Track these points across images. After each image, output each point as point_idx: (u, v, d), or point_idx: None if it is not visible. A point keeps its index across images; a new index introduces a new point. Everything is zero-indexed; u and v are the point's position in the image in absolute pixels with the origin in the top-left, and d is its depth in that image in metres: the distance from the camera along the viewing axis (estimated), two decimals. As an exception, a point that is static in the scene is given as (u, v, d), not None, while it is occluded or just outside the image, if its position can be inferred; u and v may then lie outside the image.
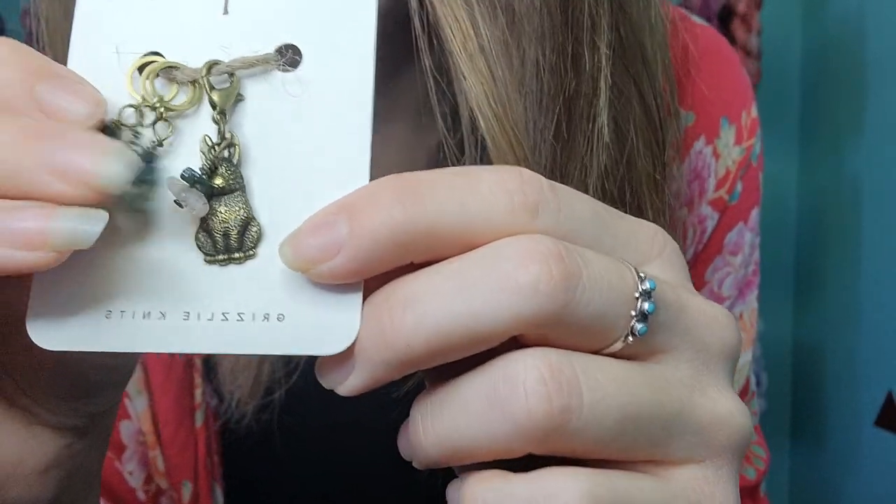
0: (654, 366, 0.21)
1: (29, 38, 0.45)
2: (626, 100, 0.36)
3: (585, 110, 0.35)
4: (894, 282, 1.33)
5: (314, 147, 0.21)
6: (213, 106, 0.21)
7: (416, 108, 0.40)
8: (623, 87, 0.36)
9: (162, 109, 0.21)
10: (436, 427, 0.20)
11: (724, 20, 1.36)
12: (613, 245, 0.22)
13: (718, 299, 0.48)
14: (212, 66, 0.21)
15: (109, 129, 0.21)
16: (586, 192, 0.35)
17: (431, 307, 0.19)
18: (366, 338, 0.20)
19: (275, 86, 0.22)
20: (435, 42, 0.31)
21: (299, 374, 0.47)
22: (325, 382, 0.21)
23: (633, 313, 0.20)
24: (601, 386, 0.20)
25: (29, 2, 0.41)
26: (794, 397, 1.61)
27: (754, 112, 0.48)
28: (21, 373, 0.25)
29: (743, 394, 0.51)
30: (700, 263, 0.48)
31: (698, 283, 0.48)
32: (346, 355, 0.20)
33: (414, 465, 0.22)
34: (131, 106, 0.21)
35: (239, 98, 0.21)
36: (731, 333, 0.22)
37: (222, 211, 0.21)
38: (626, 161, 0.36)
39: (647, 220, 0.38)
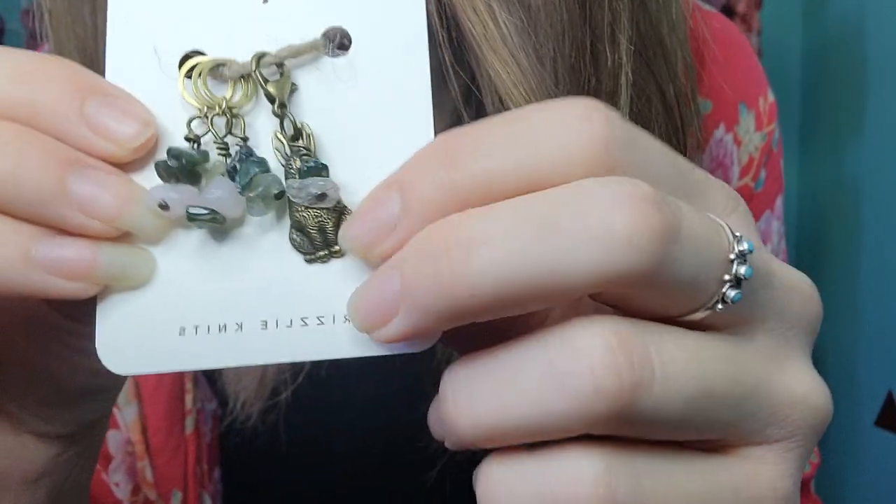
0: (732, 338, 0.19)
1: (30, 37, 0.44)
2: (647, 97, 0.35)
3: (610, 95, 0.34)
4: (894, 282, 1.33)
5: (375, 133, 0.20)
6: (272, 100, 0.20)
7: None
8: (643, 84, 0.35)
9: (229, 111, 0.20)
10: (474, 404, 0.18)
11: (724, 20, 1.37)
12: (690, 194, 0.19)
13: None
14: (260, 58, 0.20)
15: (175, 151, 0.20)
16: None
17: (503, 252, 0.17)
18: (417, 281, 0.17)
19: (326, 73, 0.20)
20: (453, 35, 0.30)
21: (305, 375, 0.46)
22: (361, 325, 0.19)
23: (728, 277, 0.18)
24: (674, 361, 0.17)
25: (30, 1, 0.40)
26: (794, 397, 1.61)
27: (771, 97, 0.48)
28: (7, 379, 0.24)
29: None
30: None
31: None
32: (390, 297, 0.18)
33: (447, 445, 0.20)
34: (198, 116, 0.20)
35: (293, 88, 0.20)
36: (814, 306, 0.20)
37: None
38: None
39: None
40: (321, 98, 0.20)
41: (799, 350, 0.20)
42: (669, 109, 0.36)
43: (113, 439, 0.47)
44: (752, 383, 0.19)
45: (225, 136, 0.20)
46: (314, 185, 0.19)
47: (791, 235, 1.60)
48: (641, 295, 0.18)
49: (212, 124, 0.20)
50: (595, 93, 0.33)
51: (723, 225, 0.18)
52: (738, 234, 0.18)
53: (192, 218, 0.19)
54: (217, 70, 0.20)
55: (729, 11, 1.36)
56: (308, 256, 0.20)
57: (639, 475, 0.18)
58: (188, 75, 0.20)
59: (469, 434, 0.18)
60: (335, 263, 0.20)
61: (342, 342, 0.19)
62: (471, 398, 0.18)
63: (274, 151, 0.20)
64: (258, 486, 0.50)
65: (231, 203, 0.19)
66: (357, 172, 0.20)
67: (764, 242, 0.48)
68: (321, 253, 0.20)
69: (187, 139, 0.20)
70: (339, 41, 0.21)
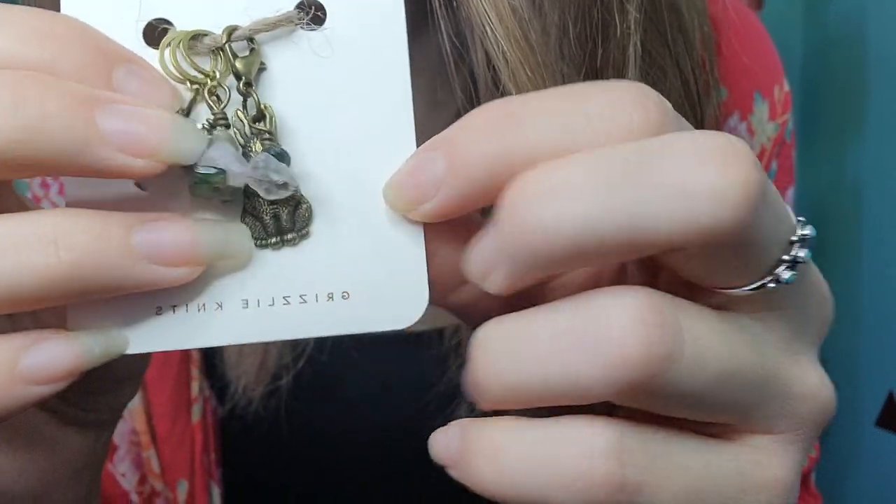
0: (757, 323, 0.19)
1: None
2: (661, 70, 0.35)
3: (615, 78, 0.34)
4: (895, 282, 1.33)
5: (353, 112, 0.20)
6: (238, 76, 0.20)
7: (431, 82, 0.39)
8: (658, 56, 0.34)
9: (215, 84, 0.19)
10: (501, 363, 0.18)
11: (725, 19, 1.37)
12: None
13: None
14: (232, 31, 0.20)
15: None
16: None
17: (588, 205, 0.16)
18: (506, 230, 0.17)
19: (301, 48, 0.20)
20: (454, 5, 0.30)
21: (306, 359, 0.46)
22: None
23: (787, 257, 0.18)
24: (704, 336, 0.18)
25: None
26: (795, 397, 1.61)
27: (786, 86, 0.48)
28: None
29: None
30: None
31: None
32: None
33: (479, 406, 0.20)
34: (193, 86, 0.19)
35: (262, 67, 0.20)
36: (830, 305, 0.21)
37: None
38: None
39: None
40: (296, 76, 0.20)
41: (811, 345, 0.21)
42: (686, 83, 0.35)
43: (117, 428, 0.47)
44: (772, 370, 0.19)
45: (223, 108, 0.19)
46: (275, 173, 0.19)
47: (791, 235, 1.60)
48: (709, 258, 0.17)
49: (214, 98, 0.19)
50: (602, 64, 0.32)
51: (786, 207, 0.19)
52: (801, 218, 0.19)
53: (200, 179, 0.19)
54: (193, 42, 0.19)
55: (729, 11, 1.37)
56: (260, 242, 0.20)
57: (650, 453, 0.18)
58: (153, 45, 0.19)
59: (494, 392, 0.18)
60: (319, 237, 0.20)
61: (326, 320, 0.19)
62: (498, 356, 0.18)
63: (234, 131, 0.20)
64: (259, 470, 0.49)
65: (235, 163, 0.19)
66: (324, 158, 0.20)
67: None
68: (273, 240, 0.20)
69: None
70: (313, 14, 0.20)
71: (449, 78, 0.33)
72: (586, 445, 0.18)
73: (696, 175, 0.16)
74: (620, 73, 0.33)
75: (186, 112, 0.20)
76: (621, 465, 0.17)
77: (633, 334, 0.17)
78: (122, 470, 0.46)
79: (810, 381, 0.21)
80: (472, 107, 0.36)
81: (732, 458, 0.19)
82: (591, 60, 0.32)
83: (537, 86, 0.30)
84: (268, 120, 0.19)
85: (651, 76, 0.34)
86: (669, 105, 0.18)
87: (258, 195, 0.19)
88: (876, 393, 1.38)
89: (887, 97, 1.34)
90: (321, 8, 0.20)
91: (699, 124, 0.36)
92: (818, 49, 1.52)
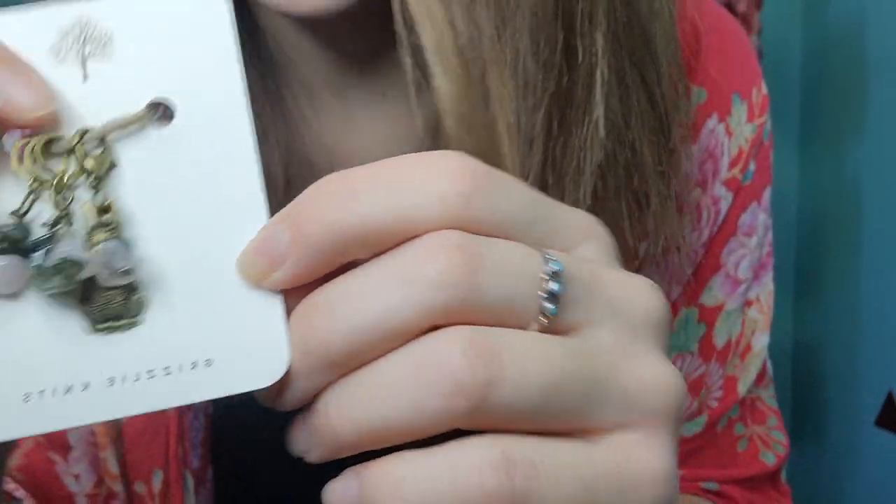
0: (576, 338, 0.22)
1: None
2: (628, 89, 0.36)
3: (581, 103, 0.35)
4: (895, 282, 1.33)
5: (203, 195, 0.21)
6: (88, 174, 0.20)
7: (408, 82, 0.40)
8: (625, 76, 0.35)
9: (63, 183, 0.20)
10: (353, 409, 0.20)
11: (724, 20, 1.37)
12: (545, 229, 0.22)
13: (734, 282, 0.48)
14: (83, 133, 0.21)
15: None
16: (583, 182, 0.35)
17: (347, 309, 0.20)
18: (294, 351, 0.21)
19: (152, 145, 0.21)
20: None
21: None
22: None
23: (542, 294, 0.21)
24: (523, 357, 0.20)
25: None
26: (795, 397, 1.61)
27: (764, 88, 0.48)
28: None
29: (761, 378, 0.50)
30: (715, 245, 0.47)
31: (714, 265, 0.47)
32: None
33: (309, 459, 0.22)
34: (30, 189, 0.20)
35: (112, 164, 0.21)
36: (655, 303, 0.23)
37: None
38: (631, 149, 0.36)
39: (653, 205, 0.38)
40: (147, 168, 0.21)
41: (647, 341, 0.22)
42: (653, 101, 0.37)
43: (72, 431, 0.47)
44: (599, 374, 0.21)
45: (65, 209, 0.20)
46: (120, 260, 0.20)
47: (791, 235, 1.60)
48: (471, 318, 0.20)
49: (60, 197, 0.20)
50: (569, 89, 0.34)
51: (535, 251, 0.21)
52: (549, 256, 0.21)
53: (54, 272, 0.20)
54: (49, 146, 0.21)
55: (729, 11, 1.37)
56: (97, 325, 0.21)
57: (534, 461, 0.20)
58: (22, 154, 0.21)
59: (348, 437, 0.20)
60: (175, 313, 0.21)
61: (192, 388, 0.21)
62: (349, 405, 0.20)
63: (78, 226, 0.21)
64: (251, 469, 0.50)
65: (82, 253, 0.20)
66: (180, 239, 0.21)
67: (749, 235, 0.48)
68: (101, 325, 0.21)
69: (14, 214, 0.20)
70: (161, 113, 0.21)
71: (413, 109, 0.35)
72: (476, 462, 0.20)
73: (420, 269, 0.20)
74: (586, 97, 0.34)
75: (25, 212, 0.21)
76: (509, 476, 0.19)
77: (460, 367, 0.19)
78: (76, 471, 0.46)
79: (648, 375, 0.22)
80: (435, 140, 0.37)
81: (605, 455, 0.21)
82: (558, 84, 0.33)
83: (485, 120, 0.32)
84: (112, 213, 0.21)
85: (618, 94, 0.35)
86: (482, 168, 0.21)
87: (93, 284, 0.20)
88: (875, 393, 1.38)
89: (887, 97, 1.34)
90: (170, 106, 0.21)
91: (666, 140, 0.37)
92: (817, 49, 1.52)
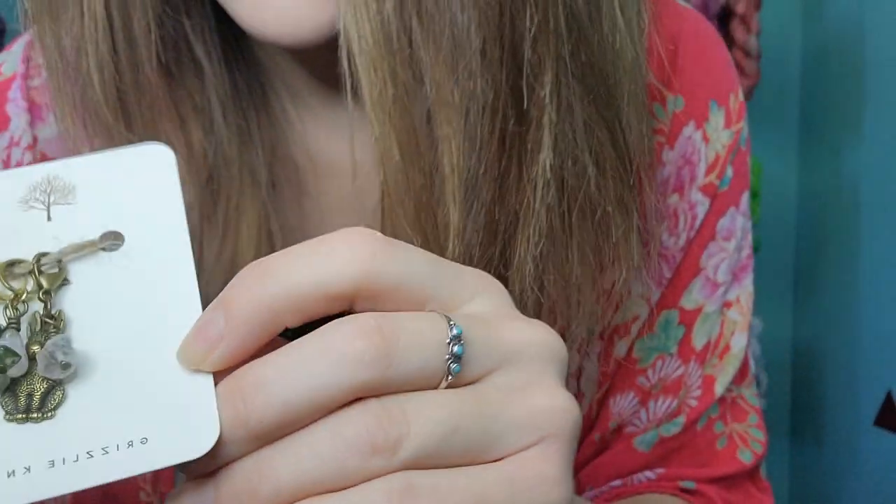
0: (476, 386, 0.25)
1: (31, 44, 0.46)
2: (590, 127, 0.37)
3: (530, 145, 0.36)
4: (894, 282, 1.33)
5: (144, 300, 0.24)
6: (40, 288, 0.23)
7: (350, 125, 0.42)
8: (582, 112, 0.36)
9: (19, 298, 0.24)
10: (278, 473, 0.23)
11: (723, 21, 1.37)
12: (443, 285, 0.25)
13: (714, 285, 0.49)
14: (41, 257, 0.24)
15: None
16: (533, 221, 0.37)
17: (281, 386, 0.23)
18: (225, 422, 0.23)
19: (102, 263, 0.24)
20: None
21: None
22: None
23: (448, 357, 0.24)
24: (426, 415, 0.23)
25: None
26: (794, 397, 1.61)
27: (741, 95, 0.48)
28: None
29: (742, 376, 0.51)
30: (694, 250, 0.48)
31: (693, 269, 0.48)
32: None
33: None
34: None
35: (65, 282, 0.24)
36: (551, 344, 0.26)
37: (33, 375, 0.23)
38: (592, 185, 0.37)
39: (614, 238, 0.39)
40: (96, 282, 0.24)
41: (543, 376, 0.26)
42: (614, 136, 0.38)
43: None
44: (493, 411, 0.24)
45: (15, 318, 0.23)
46: (62, 354, 0.23)
47: (790, 235, 1.60)
48: (389, 389, 0.23)
49: (14, 309, 0.24)
50: (517, 131, 0.35)
51: (440, 318, 0.24)
52: (452, 322, 0.24)
53: None
54: (11, 268, 0.24)
55: (728, 12, 1.37)
56: (8, 416, 0.23)
57: (435, 485, 0.23)
58: None
59: (272, 498, 0.23)
60: (113, 395, 0.23)
61: (130, 463, 0.23)
62: (275, 470, 0.23)
63: (26, 333, 0.23)
64: None
65: (21, 348, 0.23)
66: (120, 337, 0.24)
67: (727, 239, 0.48)
68: (20, 415, 0.23)
69: None
70: (112, 241, 0.25)
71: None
72: (377, 486, 0.23)
73: (343, 350, 0.23)
74: (536, 140, 0.35)
75: None
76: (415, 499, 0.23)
77: (373, 429, 0.23)
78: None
79: (541, 404, 0.25)
80: None
81: (500, 471, 0.24)
82: (503, 127, 0.35)
83: (421, 170, 0.35)
84: (58, 319, 0.24)
85: (573, 133, 0.36)
86: (382, 241, 0.24)
87: (27, 379, 0.23)
88: (874, 392, 1.38)
89: (885, 98, 1.35)
90: (120, 236, 0.25)
91: (628, 172, 0.39)
92: (817, 50, 1.52)
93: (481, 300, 0.26)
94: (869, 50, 1.38)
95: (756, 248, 1.43)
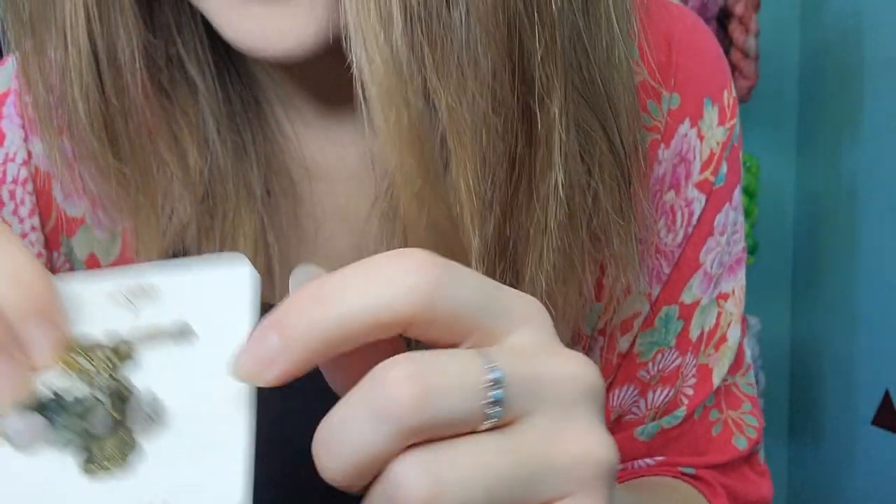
0: (513, 430, 0.25)
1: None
2: (593, 140, 0.38)
3: (541, 164, 0.36)
4: (892, 281, 1.34)
5: (199, 398, 0.26)
6: (114, 365, 0.26)
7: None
8: (585, 124, 0.37)
9: (96, 371, 0.26)
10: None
11: (721, 22, 1.38)
12: (493, 313, 0.25)
13: (710, 278, 0.50)
14: (119, 341, 0.27)
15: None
16: (545, 239, 0.37)
17: (334, 447, 0.24)
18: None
19: (171, 354, 0.27)
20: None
21: None
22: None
23: (486, 401, 0.24)
24: (463, 468, 0.24)
25: None
26: (792, 396, 1.61)
27: (734, 91, 0.49)
28: None
29: (737, 366, 0.52)
30: (692, 246, 0.49)
31: (693, 265, 0.49)
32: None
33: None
34: (70, 376, 0.26)
35: (136, 364, 0.26)
36: (587, 377, 0.26)
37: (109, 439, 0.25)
38: (596, 196, 0.38)
39: (613, 248, 0.39)
40: (162, 370, 0.26)
41: (580, 416, 0.25)
42: (614, 148, 0.39)
43: None
44: (533, 462, 0.24)
45: (93, 390, 0.26)
46: (149, 409, 0.25)
47: (788, 235, 1.61)
48: (430, 433, 0.24)
49: (90, 383, 0.26)
50: (527, 151, 0.36)
51: (478, 358, 0.24)
52: (490, 365, 0.24)
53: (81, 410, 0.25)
54: (91, 347, 0.26)
55: (727, 13, 1.37)
56: (86, 466, 0.25)
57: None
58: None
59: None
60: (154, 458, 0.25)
61: None
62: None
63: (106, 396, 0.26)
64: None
65: (35, 429, 0.25)
66: (175, 408, 0.26)
67: (723, 233, 0.49)
68: (94, 465, 0.25)
69: (52, 391, 0.26)
70: (184, 331, 0.27)
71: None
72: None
73: (386, 399, 0.23)
74: (546, 159, 0.36)
75: (61, 391, 0.26)
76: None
77: (415, 487, 0.23)
78: None
79: (578, 450, 0.25)
80: None
81: None
82: (516, 147, 0.35)
83: (433, 193, 0.35)
84: (130, 393, 0.26)
85: (580, 146, 0.37)
86: (439, 262, 0.24)
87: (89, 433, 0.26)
88: (872, 392, 1.38)
89: (883, 98, 1.35)
90: (192, 331, 0.26)
91: (626, 182, 0.40)
92: (815, 50, 1.53)
93: (525, 331, 0.26)
94: (867, 50, 1.39)
95: (754, 248, 1.43)
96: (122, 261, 0.46)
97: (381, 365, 0.24)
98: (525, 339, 0.26)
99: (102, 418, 0.25)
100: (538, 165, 0.36)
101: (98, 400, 0.25)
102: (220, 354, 0.26)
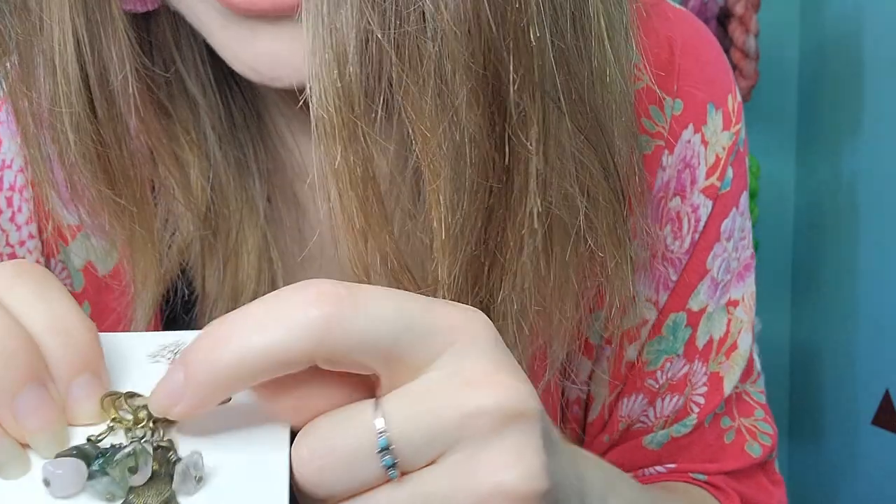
0: (420, 476, 0.26)
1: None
2: (578, 161, 0.37)
3: (518, 192, 0.36)
4: (892, 281, 1.34)
5: (236, 453, 0.26)
6: (154, 421, 0.27)
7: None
8: (578, 153, 0.37)
9: (135, 423, 0.27)
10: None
11: (721, 22, 1.37)
12: (410, 343, 0.25)
13: (717, 285, 0.49)
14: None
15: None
16: (518, 267, 0.37)
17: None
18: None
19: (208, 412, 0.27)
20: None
21: None
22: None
23: (379, 465, 0.25)
24: None
25: None
26: (792, 396, 1.61)
27: (738, 96, 0.49)
28: None
29: (747, 374, 0.52)
30: (699, 252, 0.49)
31: (700, 272, 0.49)
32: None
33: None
34: (108, 426, 0.27)
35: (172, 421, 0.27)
36: (508, 405, 0.26)
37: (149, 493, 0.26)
38: (584, 219, 0.38)
39: (608, 271, 0.39)
40: (198, 427, 0.27)
41: (495, 450, 0.26)
42: (607, 170, 0.38)
43: None
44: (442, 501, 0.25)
45: (133, 440, 0.26)
46: (195, 469, 0.25)
47: (788, 235, 1.61)
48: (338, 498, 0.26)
49: (129, 431, 0.27)
50: (500, 184, 0.35)
51: (367, 423, 0.25)
52: (381, 431, 0.25)
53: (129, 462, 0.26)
54: (131, 399, 0.27)
55: (727, 13, 1.37)
56: None
57: None
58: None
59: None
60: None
61: None
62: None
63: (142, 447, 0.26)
64: None
65: (75, 476, 0.25)
66: (216, 480, 0.26)
67: (730, 238, 0.49)
68: None
69: (90, 438, 0.27)
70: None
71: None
72: None
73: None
74: (524, 187, 0.36)
75: (100, 440, 0.26)
76: None
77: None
78: None
79: (490, 485, 0.25)
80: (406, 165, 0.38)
81: None
82: (491, 176, 0.35)
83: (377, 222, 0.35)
84: (172, 447, 0.27)
85: (567, 169, 0.36)
86: (343, 289, 0.24)
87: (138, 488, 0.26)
88: (872, 392, 1.38)
89: (884, 98, 1.35)
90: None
91: (622, 205, 0.39)
92: (815, 50, 1.53)
93: (447, 359, 0.26)
94: (867, 51, 1.39)
95: (754, 248, 1.43)
96: (120, 270, 0.46)
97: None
98: (444, 371, 0.26)
99: (143, 470, 0.25)
100: (514, 194, 0.36)
101: (139, 452, 0.25)
102: (257, 409, 0.27)
